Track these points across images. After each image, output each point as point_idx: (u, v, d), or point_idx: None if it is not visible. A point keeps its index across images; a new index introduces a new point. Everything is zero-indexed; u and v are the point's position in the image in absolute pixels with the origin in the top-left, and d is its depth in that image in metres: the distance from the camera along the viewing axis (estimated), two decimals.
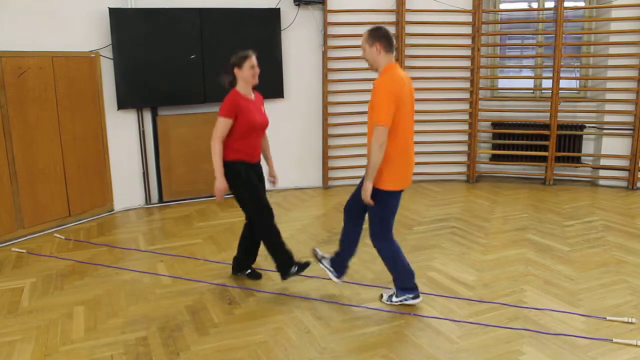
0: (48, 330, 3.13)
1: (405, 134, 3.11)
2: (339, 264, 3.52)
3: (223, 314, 3.29)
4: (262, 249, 4.34)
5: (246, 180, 3.48)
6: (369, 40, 3.10)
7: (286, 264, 3.59)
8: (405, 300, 3.34)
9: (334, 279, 3.53)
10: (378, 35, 3.09)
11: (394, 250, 3.26)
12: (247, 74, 3.44)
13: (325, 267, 3.53)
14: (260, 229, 3.60)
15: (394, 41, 3.11)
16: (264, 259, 4.14)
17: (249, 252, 3.80)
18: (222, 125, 3.37)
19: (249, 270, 3.85)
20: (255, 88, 3.62)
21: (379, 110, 2.97)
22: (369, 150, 3.04)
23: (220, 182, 3.40)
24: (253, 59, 3.46)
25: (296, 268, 3.60)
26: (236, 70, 3.46)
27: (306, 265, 3.62)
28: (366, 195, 3.09)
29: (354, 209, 3.34)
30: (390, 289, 3.44)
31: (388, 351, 2.85)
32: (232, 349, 2.90)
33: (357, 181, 3.25)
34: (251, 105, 3.48)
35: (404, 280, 3.31)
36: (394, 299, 3.37)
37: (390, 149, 3.04)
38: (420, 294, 3.37)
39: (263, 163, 3.73)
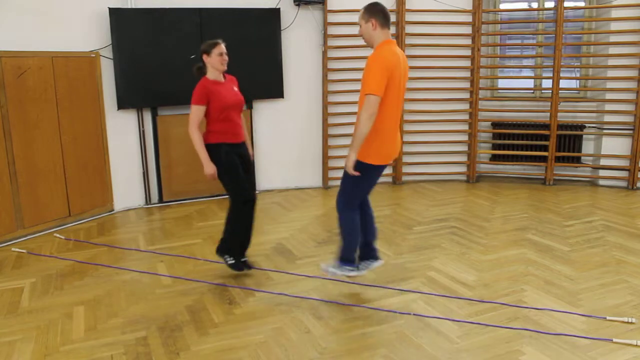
0: (48, 330, 3.13)
1: (394, 110, 3.10)
2: (367, 252, 3.51)
3: (223, 314, 3.29)
4: (260, 249, 4.35)
5: (227, 164, 3.57)
6: (364, 16, 3.09)
7: (228, 250, 3.76)
8: (344, 273, 3.42)
9: (355, 273, 3.47)
10: (374, 10, 3.07)
11: (355, 220, 3.31)
12: (215, 61, 3.52)
13: (341, 273, 3.47)
14: (231, 210, 3.69)
15: (390, 17, 3.10)
16: (264, 258, 4.14)
17: (246, 234, 3.85)
18: (195, 112, 3.47)
19: (244, 259, 3.87)
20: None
21: (371, 81, 2.94)
22: (357, 120, 3.01)
23: (208, 167, 3.51)
24: (222, 47, 3.54)
25: (232, 260, 3.75)
26: (205, 57, 3.55)
27: (241, 266, 3.77)
28: (348, 165, 3.10)
29: None
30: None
31: (388, 351, 2.85)
32: (232, 349, 2.90)
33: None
34: (221, 87, 3.56)
35: (348, 250, 3.37)
36: (337, 270, 3.42)
37: (377, 123, 3.03)
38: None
39: None
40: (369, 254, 3.54)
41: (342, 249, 3.42)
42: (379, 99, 2.94)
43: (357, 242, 3.39)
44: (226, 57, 3.55)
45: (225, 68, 3.59)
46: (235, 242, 3.76)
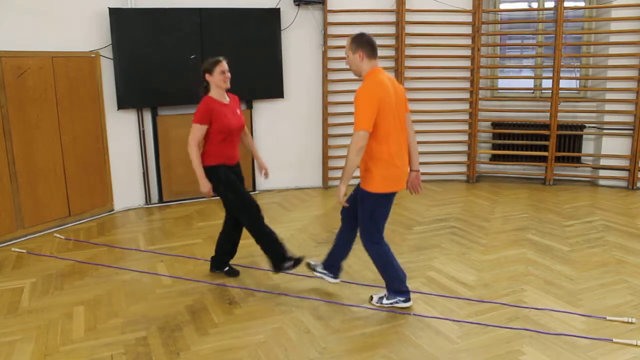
0: (48, 330, 3.13)
1: (396, 136, 3.09)
2: (331, 263, 3.55)
3: (223, 314, 3.29)
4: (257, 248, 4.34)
5: (227, 182, 3.54)
6: (352, 47, 3.09)
7: (279, 259, 3.63)
8: (397, 302, 3.33)
9: (331, 280, 3.58)
10: (361, 42, 3.08)
11: (384, 253, 3.26)
12: (218, 80, 3.48)
13: (320, 272, 3.58)
14: (250, 226, 3.63)
15: (376, 46, 3.13)
16: (264, 258, 4.13)
17: (229, 250, 3.85)
18: (197, 131, 3.43)
19: (227, 268, 3.89)
20: (230, 91, 3.65)
21: (358, 115, 2.97)
22: (347, 153, 3.02)
23: (204, 185, 3.49)
24: (224, 65, 3.50)
25: (292, 262, 3.62)
26: (207, 77, 3.52)
27: (299, 260, 3.65)
28: (339, 197, 3.12)
29: (351, 210, 3.32)
30: (383, 287, 3.44)
31: (388, 351, 2.85)
32: (232, 349, 2.90)
33: (357, 181, 3.26)
34: (225, 109, 3.52)
35: (395, 283, 3.31)
36: (385, 301, 3.35)
37: (381, 152, 3.05)
38: (412, 296, 3.37)
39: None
40: (333, 269, 3.55)
41: (388, 283, 3.35)
42: (367, 133, 2.97)
43: (397, 270, 3.28)
44: (229, 75, 3.51)
45: (229, 86, 3.54)
46: (273, 248, 3.62)
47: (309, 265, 3.65)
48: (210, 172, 3.52)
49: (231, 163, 3.60)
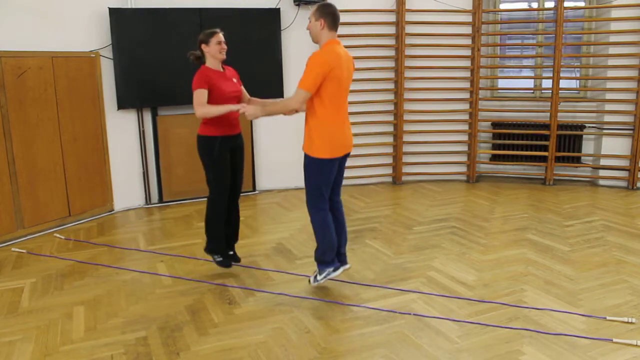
0: (48, 330, 3.13)
1: (338, 105, 3.23)
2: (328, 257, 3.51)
3: (223, 314, 3.29)
4: (260, 249, 4.35)
5: (217, 159, 3.57)
6: (315, 14, 3.20)
7: (214, 248, 3.78)
8: (328, 275, 3.45)
9: (336, 272, 3.50)
10: (325, 11, 3.18)
11: (324, 222, 3.36)
12: (214, 50, 3.52)
13: (324, 277, 3.49)
14: (209, 206, 3.71)
15: (339, 20, 3.24)
16: (264, 258, 4.14)
17: (230, 230, 3.89)
18: (199, 95, 3.42)
19: (231, 252, 3.91)
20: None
21: (305, 75, 3.11)
22: (284, 100, 3.25)
23: (240, 109, 3.39)
24: (220, 35, 3.54)
25: (219, 258, 3.78)
26: (203, 47, 3.55)
27: (228, 263, 3.80)
28: (251, 113, 3.31)
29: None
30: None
31: (388, 351, 2.85)
32: (232, 349, 2.90)
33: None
34: (220, 77, 3.55)
35: (326, 251, 3.40)
36: (319, 277, 3.47)
37: (322, 119, 3.20)
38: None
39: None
40: (337, 258, 3.56)
41: (318, 251, 3.44)
42: (308, 94, 3.13)
43: (333, 242, 3.40)
44: (225, 46, 3.54)
45: (224, 57, 3.57)
46: (215, 238, 3.76)
47: (312, 281, 3.55)
48: (205, 142, 3.55)
49: (230, 133, 3.61)
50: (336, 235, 3.47)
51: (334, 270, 3.47)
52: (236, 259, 3.92)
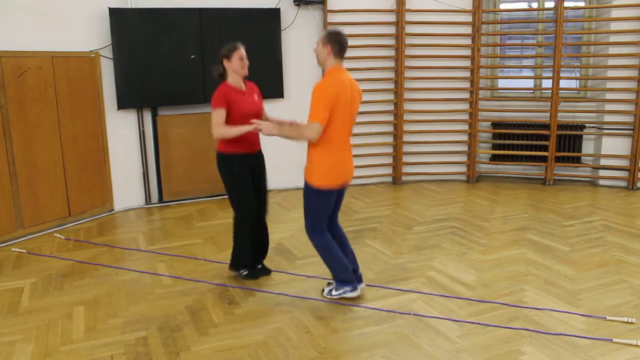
0: (48, 330, 3.13)
1: (341, 135, 3.19)
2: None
3: (223, 314, 3.29)
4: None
5: (238, 176, 3.53)
6: (324, 40, 3.19)
7: (240, 263, 3.76)
8: (344, 293, 3.41)
9: (353, 293, 3.43)
10: (334, 39, 3.17)
11: (326, 243, 3.34)
12: (236, 65, 3.46)
13: (339, 294, 3.44)
14: (236, 223, 3.67)
15: (346, 49, 3.23)
16: (267, 260, 4.14)
17: (259, 248, 3.85)
18: (217, 115, 3.40)
19: (260, 266, 3.88)
20: (249, 79, 3.63)
21: (314, 108, 3.09)
22: (301, 129, 3.23)
23: (264, 127, 3.31)
24: (242, 50, 3.48)
25: (246, 272, 3.76)
26: (225, 62, 3.49)
27: (256, 275, 3.78)
28: (267, 128, 3.30)
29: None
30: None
31: (388, 351, 2.85)
32: (232, 349, 2.90)
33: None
34: (241, 95, 3.51)
35: (339, 272, 3.37)
36: (334, 292, 3.44)
37: (324, 148, 3.18)
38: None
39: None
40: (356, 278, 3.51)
41: (333, 272, 3.41)
42: (321, 128, 3.09)
43: (341, 259, 3.35)
44: (247, 61, 3.49)
45: (247, 73, 3.51)
46: (243, 256, 3.73)
47: (326, 293, 3.51)
48: (226, 160, 3.51)
49: (250, 151, 3.58)
50: (343, 254, 3.42)
51: (352, 291, 3.41)
52: (266, 271, 3.86)
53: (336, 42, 3.15)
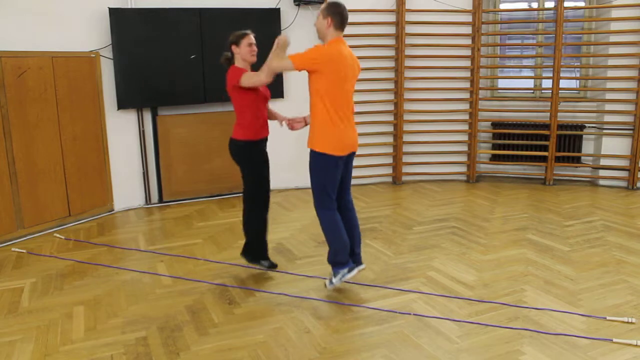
0: (48, 330, 3.13)
1: (339, 104, 3.23)
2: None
3: (223, 314, 3.29)
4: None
5: (256, 165, 3.63)
6: (324, 12, 3.22)
7: (256, 253, 3.80)
8: (343, 276, 3.42)
9: (351, 273, 3.45)
10: (334, 11, 3.19)
11: (332, 222, 3.33)
12: (244, 52, 3.48)
13: (339, 279, 3.45)
14: (251, 212, 3.71)
15: (347, 20, 3.25)
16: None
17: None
18: (248, 75, 3.39)
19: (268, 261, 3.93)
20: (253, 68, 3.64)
21: (303, 54, 3.14)
22: (273, 59, 3.28)
23: (280, 41, 3.34)
24: (251, 37, 3.51)
25: (267, 262, 3.82)
26: (234, 48, 3.50)
27: (274, 266, 3.85)
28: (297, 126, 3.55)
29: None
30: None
31: (388, 351, 2.85)
32: (232, 349, 2.90)
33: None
34: None
35: (337, 252, 3.38)
36: (334, 280, 3.43)
37: (323, 117, 3.23)
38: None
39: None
40: (352, 259, 3.53)
41: (330, 253, 3.42)
42: (291, 68, 3.18)
43: (344, 241, 3.36)
44: (255, 48, 3.50)
45: (255, 59, 3.52)
46: (262, 244, 3.79)
47: (328, 284, 3.51)
48: (246, 147, 3.55)
49: (259, 137, 3.64)
50: (348, 236, 3.43)
51: (349, 271, 3.42)
52: (274, 264, 3.95)
53: (336, 14, 3.17)
